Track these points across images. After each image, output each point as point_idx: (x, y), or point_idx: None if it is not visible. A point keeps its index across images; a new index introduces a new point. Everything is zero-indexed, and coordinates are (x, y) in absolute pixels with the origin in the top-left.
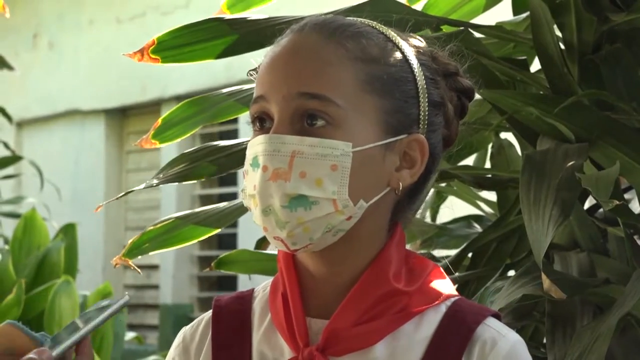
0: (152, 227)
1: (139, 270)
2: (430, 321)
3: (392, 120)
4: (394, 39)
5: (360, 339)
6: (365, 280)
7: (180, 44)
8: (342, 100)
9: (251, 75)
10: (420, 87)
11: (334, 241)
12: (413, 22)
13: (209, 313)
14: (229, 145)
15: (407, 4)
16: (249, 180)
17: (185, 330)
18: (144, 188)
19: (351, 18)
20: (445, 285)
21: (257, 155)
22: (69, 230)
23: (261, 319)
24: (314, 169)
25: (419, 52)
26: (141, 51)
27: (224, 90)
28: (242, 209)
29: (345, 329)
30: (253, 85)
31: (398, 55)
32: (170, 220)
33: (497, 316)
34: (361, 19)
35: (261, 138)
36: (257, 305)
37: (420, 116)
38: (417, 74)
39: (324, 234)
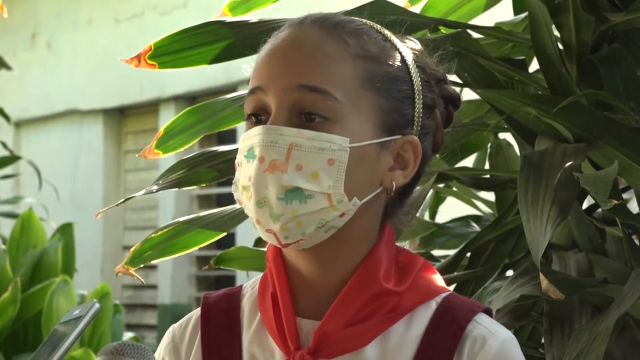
0: (153, 235)
1: (141, 279)
2: (421, 319)
3: (388, 119)
4: (392, 39)
5: (352, 341)
6: (355, 281)
7: (178, 49)
8: (342, 95)
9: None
10: (416, 88)
11: (325, 238)
12: (410, 24)
13: (198, 311)
14: (228, 150)
15: (408, 4)
16: (243, 171)
17: (174, 328)
18: (143, 194)
19: (350, 16)
20: (435, 281)
21: (253, 146)
22: (66, 230)
23: (251, 318)
24: (310, 162)
25: (415, 54)
26: (138, 57)
27: (225, 97)
28: (245, 213)
29: (336, 331)
30: None
31: (396, 55)
32: (171, 227)
33: (488, 312)
34: (359, 18)
35: (259, 129)
36: (246, 303)
37: (415, 117)
38: (413, 75)
39: (316, 229)
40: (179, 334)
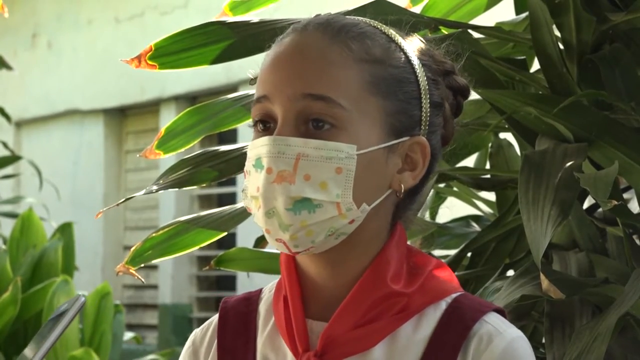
0: (154, 234)
1: (142, 278)
2: (429, 320)
3: (394, 122)
4: (396, 39)
5: (358, 342)
6: (363, 283)
7: (179, 50)
8: (347, 101)
9: (252, 84)
10: (423, 88)
11: (335, 244)
12: (410, 24)
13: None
14: (229, 150)
15: (410, 4)
16: (252, 181)
17: (196, 332)
18: (143, 194)
19: (354, 17)
20: (447, 281)
21: (260, 156)
22: (66, 230)
23: (266, 321)
24: (318, 172)
25: (420, 53)
26: (138, 58)
27: (226, 97)
28: (245, 213)
29: (343, 333)
30: (254, 90)
31: (401, 56)
32: (172, 227)
33: (500, 311)
34: (364, 19)
35: (265, 139)
36: (263, 307)
37: (422, 117)
38: (419, 75)
39: (326, 237)
40: (199, 338)
